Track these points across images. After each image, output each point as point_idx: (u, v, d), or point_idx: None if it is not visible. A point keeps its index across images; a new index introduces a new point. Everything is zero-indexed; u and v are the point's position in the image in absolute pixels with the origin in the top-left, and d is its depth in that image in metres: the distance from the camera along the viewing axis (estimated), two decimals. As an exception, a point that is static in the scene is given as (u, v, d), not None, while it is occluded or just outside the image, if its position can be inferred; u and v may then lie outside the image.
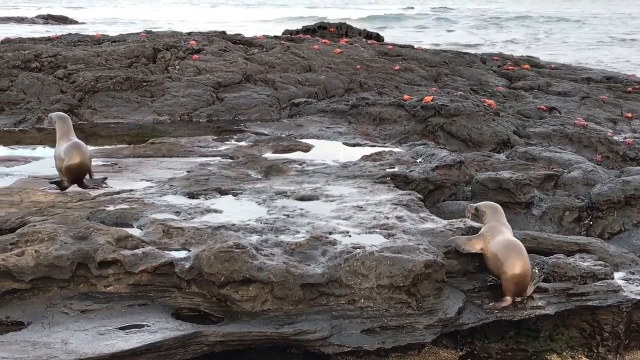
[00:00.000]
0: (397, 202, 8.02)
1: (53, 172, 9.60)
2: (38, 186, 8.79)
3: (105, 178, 9.02)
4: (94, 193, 8.31)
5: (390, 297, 6.19)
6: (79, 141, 8.72)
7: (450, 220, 7.58)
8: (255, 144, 11.59)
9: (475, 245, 6.77)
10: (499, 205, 7.17)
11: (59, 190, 8.52)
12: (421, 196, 8.44)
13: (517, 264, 6.44)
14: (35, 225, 6.72)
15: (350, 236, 6.93)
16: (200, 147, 11.35)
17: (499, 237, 6.69)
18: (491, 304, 6.49)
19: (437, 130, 12.86)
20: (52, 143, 12.41)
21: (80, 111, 14.77)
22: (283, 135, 12.53)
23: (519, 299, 6.51)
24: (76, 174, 8.55)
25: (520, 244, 6.65)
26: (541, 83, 18.86)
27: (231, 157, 10.51)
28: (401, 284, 6.19)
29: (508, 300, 6.47)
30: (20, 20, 60.50)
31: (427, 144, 11.49)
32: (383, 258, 6.28)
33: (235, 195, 8.37)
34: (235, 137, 12.44)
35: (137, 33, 21.80)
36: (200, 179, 8.93)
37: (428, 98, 13.69)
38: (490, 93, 17.10)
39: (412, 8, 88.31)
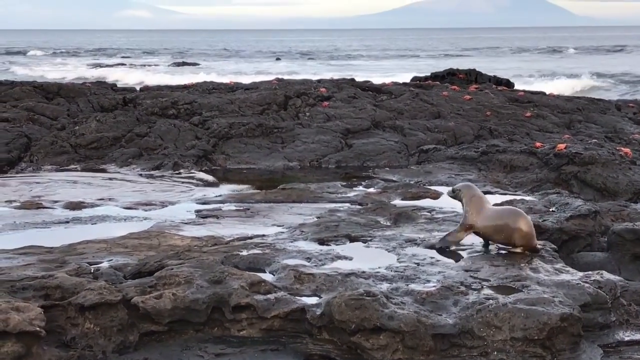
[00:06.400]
0: (530, 252, 7.84)
1: (189, 216, 9.94)
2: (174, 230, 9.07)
3: None
4: (227, 237, 8.50)
5: (524, 350, 6.04)
6: None
7: (586, 272, 7.34)
8: (384, 190, 11.61)
9: (463, 234, 7.64)
10: (472, 184, 8.04)
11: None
12: (555, 247, 8.22)
13: (521, 222, 7.31)
14: (172, 269, 6.92)
15: (482, 286, 6.81)
16: (330, 193, 11.46)
17: (486, 208, 7.51)
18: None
19: (571, 179, 12.55)
20: (187, 187, 12.88)
21: (214, 157, 15.22)
22: (412, 182, 12.50)
23: None
24: None
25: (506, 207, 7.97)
26: (680, 130, 18.18)
27: (360, 204, 10.56)
28: (536, 337, 6.03)
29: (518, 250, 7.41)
30: (156, 66, 63.33)
31: (560, 192, 11.21)
32: (517, 310, 6.15)
33: (364, 242, 8.39)
34: (363, 183, 12.52)
35: (269, 80, 22.37)
36: (330, 225, 9.01)
37: (561, 145, 13.42)
38: (625, 141, 16.59)
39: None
